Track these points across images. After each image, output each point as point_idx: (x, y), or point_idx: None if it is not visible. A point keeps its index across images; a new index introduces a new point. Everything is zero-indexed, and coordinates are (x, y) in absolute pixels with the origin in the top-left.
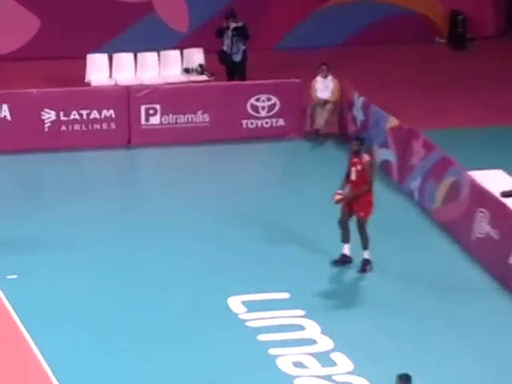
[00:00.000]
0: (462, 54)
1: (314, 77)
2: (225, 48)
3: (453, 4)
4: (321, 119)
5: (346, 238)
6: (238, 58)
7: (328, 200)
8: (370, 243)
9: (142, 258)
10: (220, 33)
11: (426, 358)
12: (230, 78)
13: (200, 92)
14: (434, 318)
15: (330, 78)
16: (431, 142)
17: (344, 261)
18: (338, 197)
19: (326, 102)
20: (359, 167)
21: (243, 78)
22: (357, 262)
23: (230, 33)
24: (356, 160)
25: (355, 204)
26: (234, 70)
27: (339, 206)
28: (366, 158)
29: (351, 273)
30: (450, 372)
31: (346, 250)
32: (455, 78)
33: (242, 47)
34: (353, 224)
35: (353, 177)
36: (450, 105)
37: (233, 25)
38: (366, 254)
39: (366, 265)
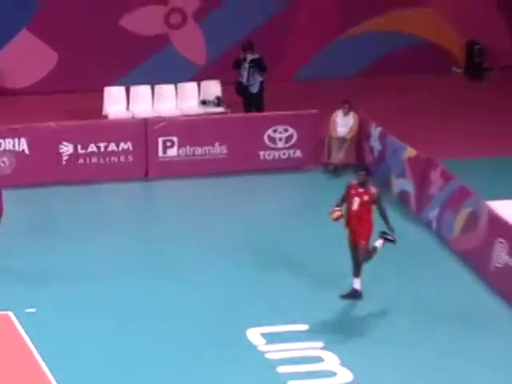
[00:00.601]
0: (478, 84)
1: (332, 109)
2: (242, 80)
3: (469, 34)
4: (339, 155)
5: (355, 272)
6: (255, 89)
7: (346, 233)
8: (362, 273)
9: (159, 292)
10: (237, 64)
11: None
12: (247, 109)
13: (217, 124)
14: (455, 351)
15: (351, 115)
16: (449, 172)
17: (353, 295)
18: (337, 213)
19: (343, 138)
20: (365, 198)
21: (261, 110)
22: (371, 294)
23: (247, 64)
24: (361, 191)
25: (357, 231)
26: (251, 102)
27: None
28: (373, 189)
29: (369, 305)
30: None
31: (356, 284)
32: (472, 109)
33: (259, 79)
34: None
35: (355, 207)
36: (468, 135)
37: (250, 56)
38: (356, 283)
39: (353, 294)
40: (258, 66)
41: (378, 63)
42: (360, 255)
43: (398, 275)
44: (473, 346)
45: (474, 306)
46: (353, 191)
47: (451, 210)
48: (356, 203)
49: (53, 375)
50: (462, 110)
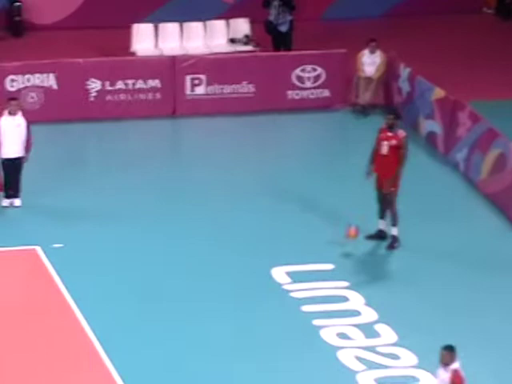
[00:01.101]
0: (509, 25)
1: (360, 49)
2: (271, 18)
3: None
4: (366, 96)
5: (381, 214)
6: (284, 28)
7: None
8: (399, 220)
9: (186, 229)
10: (267, 3)
11: (471, 329)
12: (276, 48)
13: (245, 62)
14: (481, 292)
15: (377, 53)
16: (477, 114)
17: (379, 236)
18: (352, 233)
19: (369, 78)
20: (394, 142)
21: (289, 49)
22: (398, 236)
23: (276, 3)
24: (390, 134)
25: (385, 179)
26: (280, 41)
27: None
28: (401, 133)
29: (397, 249)
30: (496, 343)
31: (382, 225)
32: (503, 49)
33: (289, 17)
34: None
35: (384, 151)
36: (498, 76)
37: None
38: (394, 231)
39: (394, 242)
40: (287, 4)
41: (407, 3)
42: (391, 202)
43: (425, 217)
44: (499, 286)
45: (502, 248)
46: (382, 135)
47: (479, 151)
48: (385, 147)
49: (79, 309)
50: (493, 50)
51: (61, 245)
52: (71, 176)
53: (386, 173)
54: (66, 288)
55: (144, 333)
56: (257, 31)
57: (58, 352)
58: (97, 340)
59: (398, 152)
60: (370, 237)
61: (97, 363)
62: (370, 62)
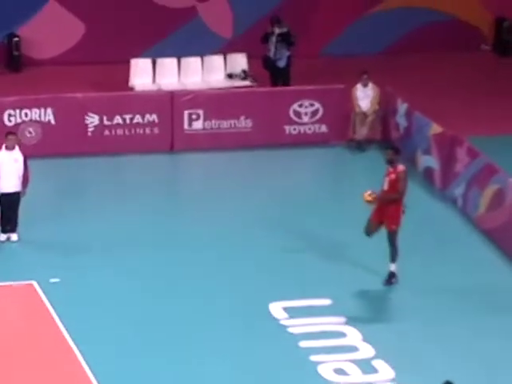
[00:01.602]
0: (507, 61)
1: (355, 84)
2: (269, 53)
3: (498, 11)
4: (362, 131)
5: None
6: (282, 63)
7: (368, 208)
8: (398, 256)
9: (182, 263)
10: (265, 38)
11: (469, 366)
12: (274, 83)
13: (243, 97)
14: (478, 328)
15: (370, 86)
16: (475, 149)
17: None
18: (369, 197)
19: (365, 113)
20: (393, 176)
21: (287, 84)
22: (398, 275)
23: (274, 38)
24: (390, 170)
25: (385, 216)
26: (278, 76)
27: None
28: (400, 167)
29: (394, 284)
30: (495, 378)
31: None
32: (500, 85)
33: (287, 53)
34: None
35: (385, 186)
36: (495, 112)
37: (278, 30)
38: (393, 267)
39: (391, 277)
40: (286, 40)
41: (405, 40)
42: (392, 240)
43: (422, 253)
44: (498, 324)
45: (499, 284)
46: (386, 171)
47: (477, 187)
48: (386, 183)
49: (75, 344)
50: (490, 87)
51: (57, 279)
52: (68, 210)
53: (387, 210)
54: (63, 323)
55: (141, 368)
56: (254, 66)
57: None
58: (93, 375)
59: (395, 186)
60: (387, 282)
61: None
62: (364, 96)
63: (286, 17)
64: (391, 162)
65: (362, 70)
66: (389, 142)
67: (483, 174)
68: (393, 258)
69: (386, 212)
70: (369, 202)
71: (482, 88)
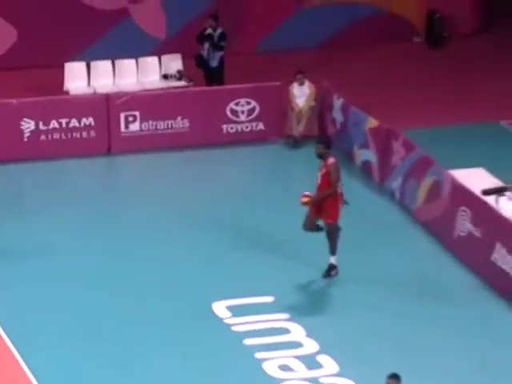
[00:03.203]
0: (439, 53)
1: (291, 82)
2: (203, 52)
3: (429, 3)
4: (299, 128)
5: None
6: (214, 63)
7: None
8: (338, 249)
9: (122, 267)
10: (200, 37)
11: (412, 358)
12: (209, 82)
13: (179, 98)
14: (418, 319)
15: (306, 84)
16: (411, 142)
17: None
18: (304, 199)
19: (301, 111)
20: (324, 170)
21: (221, 84)
22: (342, 266)
23: (207, 45)
24: (322, 164)
25: (322, 211)
26: (212, 76)
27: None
28: (330, 160)
29: (334, 277)
30: (436, 371)
31: (333, 260)
32: (432, 78)
33: (219, 53)
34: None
35: (318, 181)
36: (429, 104)
37: (211, 31)
38: (332, 260)
39: (331, 270)
40: (217, 42)
41: (339, 34)
42: (330, 235)
43: (361, 245)
44: (436, 313)
45: (436, 274)
46: (320, 166)
47: (414, 179)
48: (318, 178)
49: (19, 353)
50: (423, 79)
51: None
52: (7, 217)
53: (322, 204)
54: (3, 329)
55: (84, 370)
56: (189, 67)
57: None
58: (35, 380)
59: (328, 180)
60: (326, 275)
61: None
62: (300, 95)
63: (220, 14)
64: (321, 156)
65: (296, 70)
66: (319, 136)
67: (419, 166)
68: (333, 251)
69: (323, 206)
70: (305, 203)
71: (414, 81)
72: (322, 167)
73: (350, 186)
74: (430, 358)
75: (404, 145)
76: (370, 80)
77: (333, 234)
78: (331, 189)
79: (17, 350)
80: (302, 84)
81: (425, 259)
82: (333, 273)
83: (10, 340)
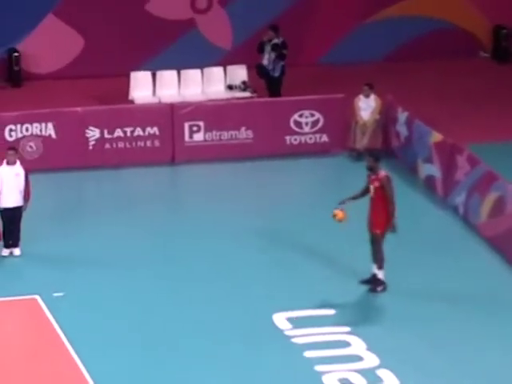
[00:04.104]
0: (506, 68)
1: (357, 94)
2: (264, 62)
3: (496, 18)
4: (363, 141)
5: (373, 258)
6: (276, 73)
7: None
8: (384, 263)
9: (186, 274)
10: (261, 47)
11: (475, 373)
12: (271, 93)
13: (243, 108)
14: (482, 335)
15: (372, 97)
16: (476, 157)
17: (371, 280)
18: (338, 216)
19: (365, 123)
20: (376, 184)
21: (279, 94)
22: (396, 279)
23: (269, 47)
24: (373, 177)
25: (370, 221)
26: (272, 85)
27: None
28: (382, 173)
29: (394, 291)
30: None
31: (375, 269)
32: (499, 92)
33: (281, 63)
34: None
35: (371, 194)
36: (495, 119)
37: (273, 40)
38: (380, 274)
39: (377, 285)
40: (279, 50)
41: (404, 48)
42: (377, 245)
43: (423, 260)
44: (500, 330)
45: (500, 290)
46: (369, 179)
47: (478, 194)
48: (371, 191)
49: (80, 359)
50: (489, 94)
51: (61, 293)
52: (70, 224)
53: (373, 215)
54: (67, 337)
55: (145, 381)
56: (253, 77)
57: None
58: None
59: (381, 193)
60: (364, 282)
61: None
62: (366, 107)
63: (285, 26)
64: (372, 169)
65: (364, 82)
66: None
67: (484, 181)
68: (379, 265)
69: (372, 217)
70: (340, 220)
71: (481, 95)
72: (374, 180)
73: (413, 199)
74: (492, 374)
75: (468, 160)
76: (435, 94)
77: (379, 245)
78: (392, 204)
79: (77, 354)
80: (367, 96)
81: (488, 274)
82: (379, 288)
83: (71, 345)
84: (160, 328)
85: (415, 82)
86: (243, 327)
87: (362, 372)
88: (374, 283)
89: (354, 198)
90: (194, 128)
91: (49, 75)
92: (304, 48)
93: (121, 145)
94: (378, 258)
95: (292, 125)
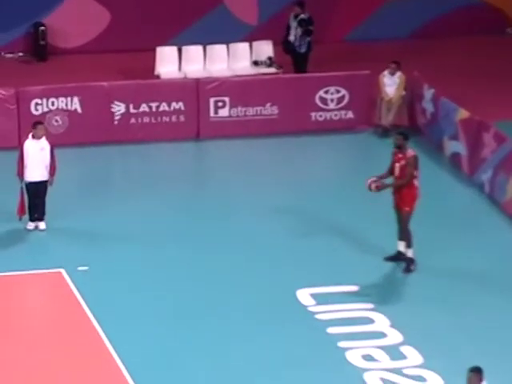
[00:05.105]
0: None
1: (382, 71)
2: (291, 38)
3: None
4: (388, 117)
5: (400, 235)
6: (302, 49)
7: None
8: (412, 240)
9: (211, 251)
10: (288, 24)
11: (497, 351)
12: (297, 69)
13: (269, 84)
14: (506, 314)
15: (397, 74)
16: (502, 134)
17: (397, 257)
18: (373, 186)
19: (391, 100)
20: (403, 162)
21: (304, 71)
22: (421, 257)
23: (295, 23)
24: (400, 155)
25: (399, 199)
26: (298, 61)
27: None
28: (410, 153)
29: (419, 267)
30: None
31: (400, 246)
32: None
33: (307, 39)
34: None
35: (396, 172)
36: None
37: (299, 16)
38: (410, 253)
39: (409, 264)
40: (306, 26)
41: (430, 25)
42: (404, 221)
43: (448, 238)
44: None
45: None
46: (395, 157)
47: (504, 172)
48: (397, 168)
49: (104, 331)
50: None
51: (86, 267)
52: (96, 199)
53: (401, 192)
54: (91, 311)
55: (168, 354)
56: (279, 53)
57: (83, 375)
58: (122, 363)
59: (405, 171)
60: (389, 258)
61: None
62: (391, 83)
63: (311, 2)
64: (400, 148)
65: (391, 59)
66: (398, 127)
67: (510, 159)
68: (408, 244)
69: (399, 195)
70: (373, 190)
71: (508, 73)
72: (401, 158)
73: (439, 176)
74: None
75: (495, 137)
76: (462, 71)
77: (406, 223)
78: (405, 179)
79: (101, 327)
80: (393, 74)
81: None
82: (412, 267)
83: (95, 318)
84: (183, 302)
85: (441, 60)
86: (267, 303)
87: (386, 348)
88: (406, 263)
89: (382, 177)
90: (219, 103)
91: (75, 49)
92: (330, 25)
93: (146, 120)
94: (406, 237)
95: (317, 101)
